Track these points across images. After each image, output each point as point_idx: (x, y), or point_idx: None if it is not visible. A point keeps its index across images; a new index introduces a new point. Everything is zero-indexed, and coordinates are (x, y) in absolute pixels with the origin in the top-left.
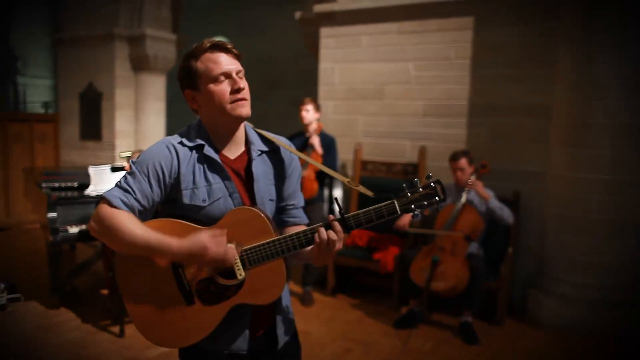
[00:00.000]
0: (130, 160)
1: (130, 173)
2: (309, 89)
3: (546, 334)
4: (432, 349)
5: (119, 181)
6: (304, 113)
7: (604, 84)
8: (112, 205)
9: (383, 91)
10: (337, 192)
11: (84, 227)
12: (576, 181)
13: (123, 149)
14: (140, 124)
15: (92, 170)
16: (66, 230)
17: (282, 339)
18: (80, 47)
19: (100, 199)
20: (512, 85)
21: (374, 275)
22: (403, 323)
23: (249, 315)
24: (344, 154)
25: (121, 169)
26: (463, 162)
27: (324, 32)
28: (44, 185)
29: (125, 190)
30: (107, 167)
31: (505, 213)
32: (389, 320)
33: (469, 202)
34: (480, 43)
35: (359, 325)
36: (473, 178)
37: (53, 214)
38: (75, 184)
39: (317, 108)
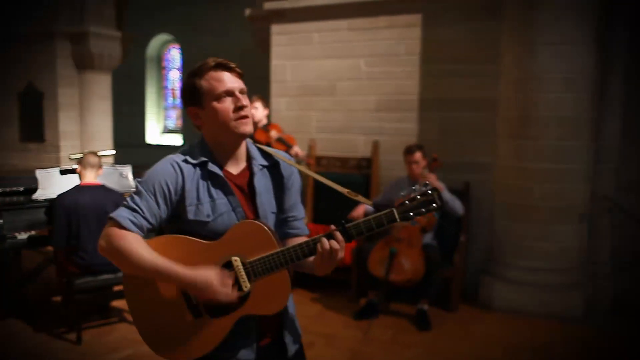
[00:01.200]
0: (136, 180)
1: (137, 192)
2: (257, 86)
3: (497, 317)
4: (392, 338)
5: (126, 201)
6: (252, 111)
7: (544, 78)
8: (121, 226)
9: (335, 87)
10: None
11: (33, 233)
12: (521, 171)
13: (70, 151)
14: (86, 124)
15: (39, 173)
16: (14, 237)
17: (291, 347)
18: (17, 45)
19: (109, 219)
20: (460, 80)
21: None
22: (363, 314)
23: (255, 325)
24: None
25: (72, 171)
26: (418, 155)
27: (275, 29)
28: None
29: (134, 210)
30: (56, 170)
31: (457, 204)
32: (349, 312)
33: None
34: (428, 40)
35: (319, 318)
36: (426, 171)
37: None
38: (21, 189)
39: (266, 105)
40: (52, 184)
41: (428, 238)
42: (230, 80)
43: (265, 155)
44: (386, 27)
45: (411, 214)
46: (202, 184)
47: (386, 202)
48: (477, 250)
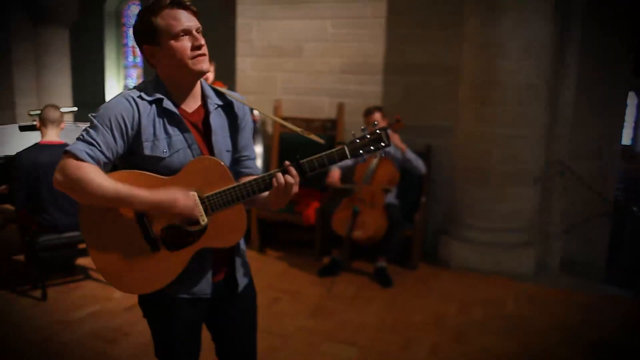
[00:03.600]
0: (90, 114)
1: (92, 126)
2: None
3: (455, 275)
4: (355, 294)
5: (81, 135)
6: (210, 75)
7: (505, 45)
8: (78, 159)
9: (301, 48)
10: (258, 149)
11: None
12: (481, 135)
13: (26, 108)
14: (43, 81)
15: None
16: None
17: (241, 281)
18: None
19: (64, 153)
20: (424, 44)
21: (296, 228)
22: (326, 272)
23: (210, 259)
24: (264, 111)
25: (31, 127)
26: (377, 115)
27: None
28: None
29: (90, 144)
30: (14, 126)
31: (420, 163)
32: (313, 270)
33: (385, 154)
34: (394, 3)
35: (284, 276)
36: (390, 131)
37: None
38: None
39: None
40: (9, 141)
41: (390, 198)
42: (187, 19)
43: (219, 95)
44: None
45: (361, 151)
46: (158, 121)
47: (348, 165)
48: (437, 212)
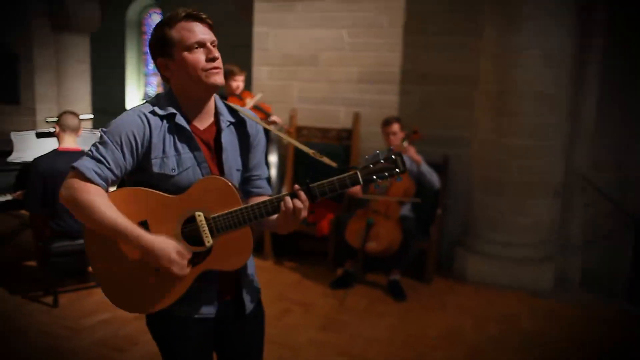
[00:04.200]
0: (100, 130)
1: (102, 142)
2: (239, 54)
3: (471, 289)
4: (367, 307)
5: (91, 150)
6: (240, 84)
7: (523, 54)
8: (85, 178)
9: (318, 57)
10: (272, 158)
11: (9, 196)
12: (498, 146)
13: (46, 114)
14: (63, 87)
15: (14, 136)
16: None
17: (248, 305)
18: None
19: (72, 169)
20: (442, 54)
21: (310, 239)
22: (339, 283)
23: (216, 281)
24: (281, 119)
25: (49, 134)
26: (395, 126)
27: None
28: None
29: (99, 161)
30: (31, 133)
31: (434, 178)
32: (326, 281)
33: None
34: (411, 11)
35: (297, 287)
36: (406, 143)
37: None
38: None
39: (241, 70)
40: (28, 147)
41: (405, 210)
42: (201, 32)
43: (233, 112)
44: None
45: (374, 177)
46: (169, 137)
47: None
48: (453, 223)
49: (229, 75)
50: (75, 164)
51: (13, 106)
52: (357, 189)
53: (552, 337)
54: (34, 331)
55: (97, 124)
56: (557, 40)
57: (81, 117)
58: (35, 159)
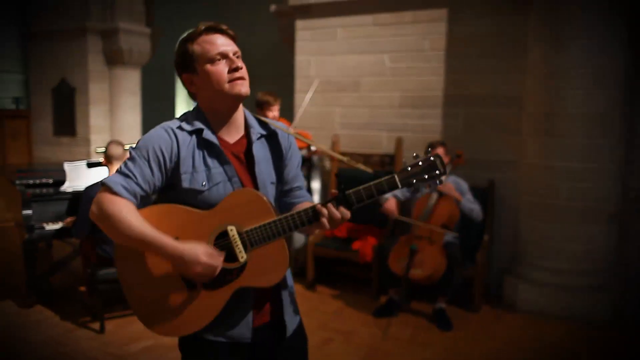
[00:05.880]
0: (129, 147)
1: (131, 158)
2: (283, 82)
3: (521, 319)
4: (412, 336)
5: (120, 167)
6: (276, 114)
7: (572, 74)
8: (113, 192)
9: (359, 83)
10: (315, 185)
11: (60, 224)
12: (547, 169)
13: (99, 145)
14: (116, 119)
15: (67, 166)
16: (42, 228)
17: (290, 324)
18: (51, 41)
19: (102, 184)
20: (485, 76)
21: (353, 265)
22: (382, 312)
23: (251, 300)
24: (322, 147)
25: (98, 164)
26: (440, 150)
27: (300, 24)
28: (17, 182)
29: (126, 176)
30: (83, 163)
31: (475, 214)
32: (369, 309)
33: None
34: (453, 35)
35: (339, 315)
36: (449, 168)
37: (28, 211)
38: (50, 181)
39: (276, 98)
40: (79, 177)
41: (450, 236)
42: (223, 43)
43: (263, 124)
44: (411, 23)
45: (413, 180)
46: (198, 153)
47: (407, 197)
48: (501, 250)
49: (265, 105)
50: (104, 180)
51: (70, 137)
52: (392, 206)
53: None
54: (79, 357)
55: None
56: (609, 56)
57: (127, 146)
58: (87, 187)
